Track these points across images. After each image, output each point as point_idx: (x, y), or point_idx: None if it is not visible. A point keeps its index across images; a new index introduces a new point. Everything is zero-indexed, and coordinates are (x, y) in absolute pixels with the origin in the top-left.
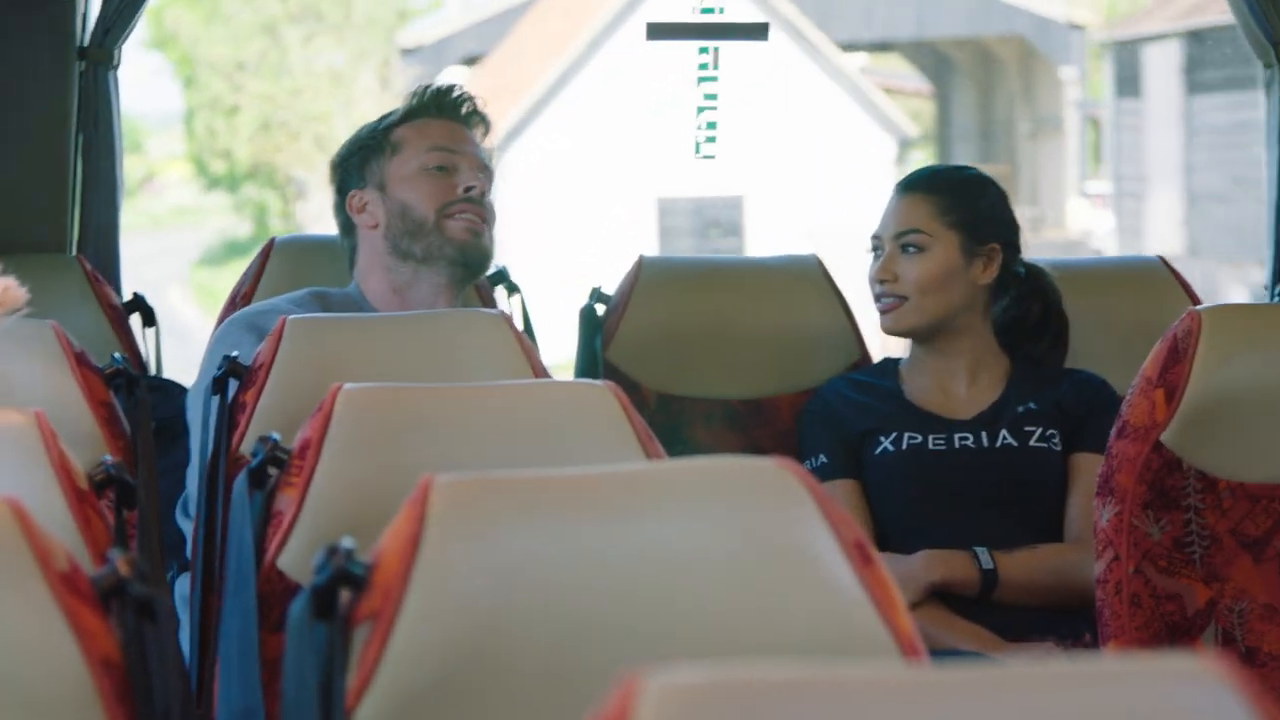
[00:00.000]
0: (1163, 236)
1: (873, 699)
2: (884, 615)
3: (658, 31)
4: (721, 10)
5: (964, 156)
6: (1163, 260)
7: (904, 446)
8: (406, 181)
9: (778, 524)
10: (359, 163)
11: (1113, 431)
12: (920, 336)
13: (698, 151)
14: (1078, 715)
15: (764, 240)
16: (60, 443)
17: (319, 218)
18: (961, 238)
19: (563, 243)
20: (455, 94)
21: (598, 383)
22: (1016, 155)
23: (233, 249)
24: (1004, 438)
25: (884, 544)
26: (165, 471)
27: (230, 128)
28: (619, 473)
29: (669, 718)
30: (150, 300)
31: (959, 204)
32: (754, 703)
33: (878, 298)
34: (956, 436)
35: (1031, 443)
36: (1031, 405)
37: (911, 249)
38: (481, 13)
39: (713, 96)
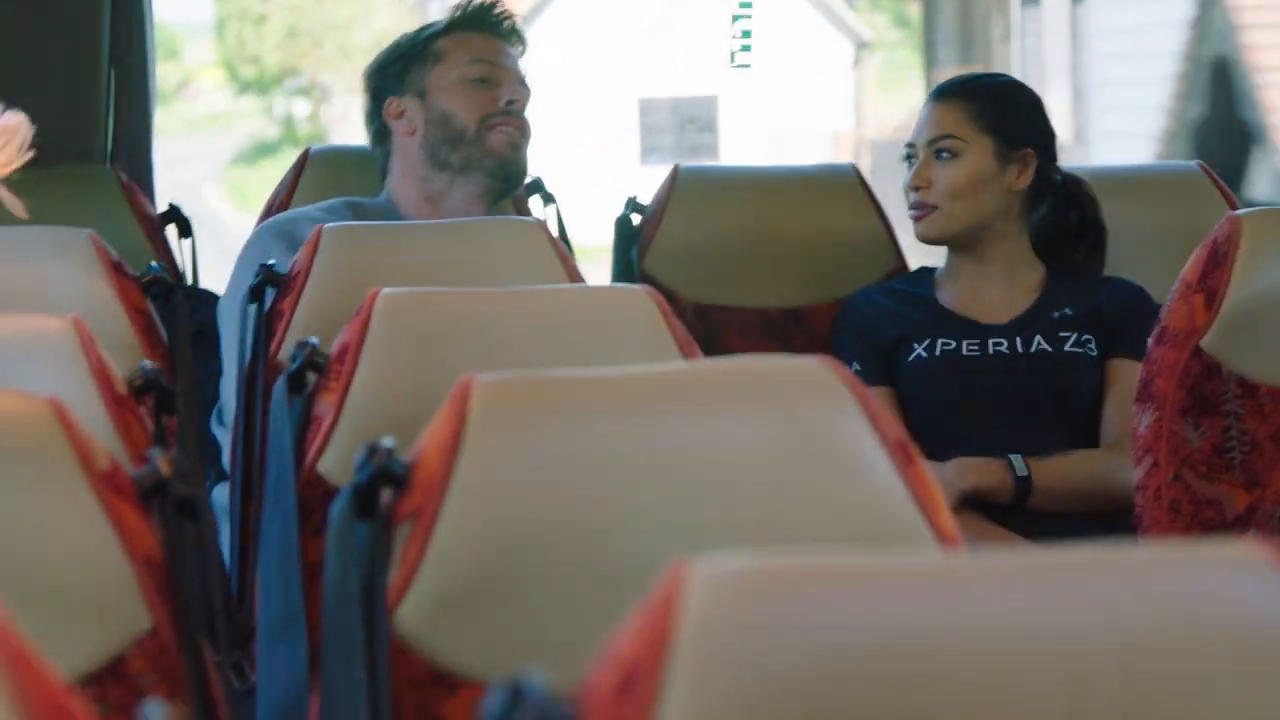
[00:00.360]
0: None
1: (917, 584)
2: (925, 512)
3: None
4: None
5: (947, 60)
6: (1202, 166)
7: (937, 352)
8: (447, 90)
9: (819, 421)
10: (398, 70)
11: (1151, 337)
12: (954, 243)
13: (733, 60)
14: (1122, 600)
15: (736, 138)
16: (99, 348)
17: (342, 119)
18: (995, 142)
19: (555, 141)
20: (498, 9)
21: (636, 287)
22: (991, 58)
23: (263, 150)
24: (1039, 343)
25: (922, 450)
26: (200, 380)
27: (258, 35)
28: (660, 373)
29: (717, 603)
30: (186, 201)
31: (992, 109)
32: (802, 588)
33: (912, 205)
34: (990, 342)
35: (1067, 348)
36: (1068, 311)
37: (945, 155)
38: None
39: (748, 4)
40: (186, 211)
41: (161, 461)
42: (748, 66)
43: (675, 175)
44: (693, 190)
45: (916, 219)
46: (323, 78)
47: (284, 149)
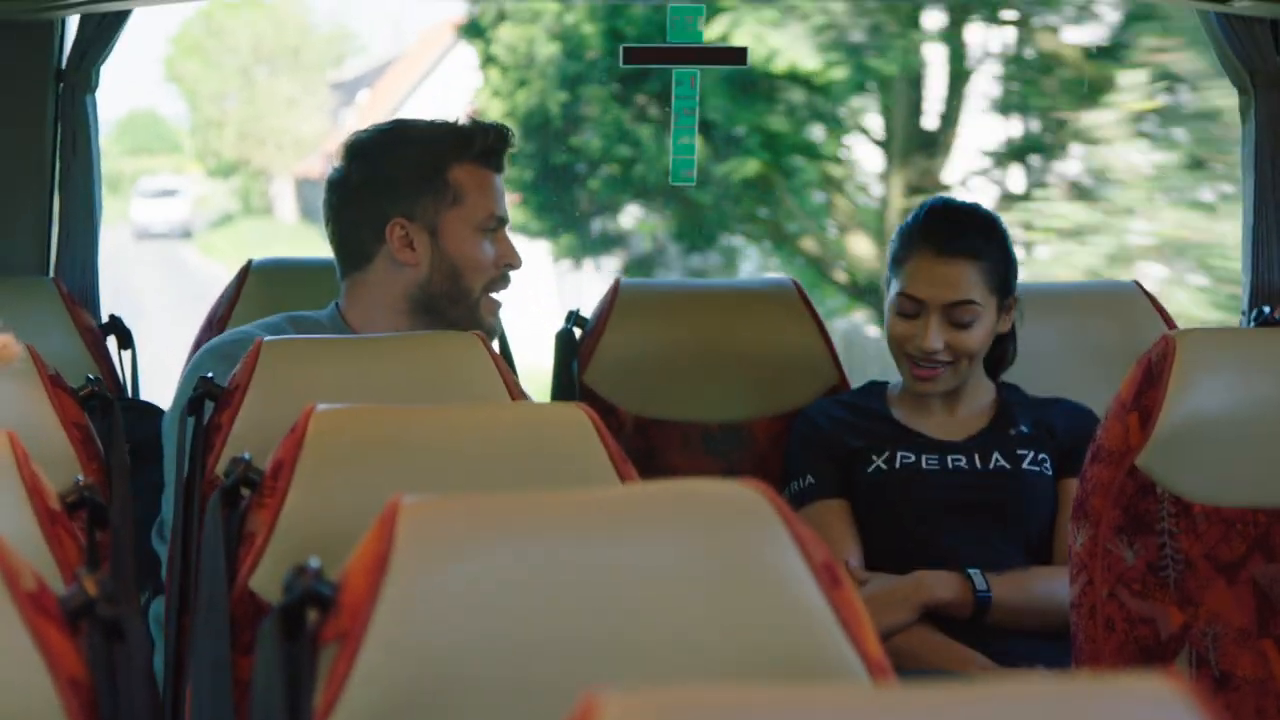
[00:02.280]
0: None
1: (826, 718)
2: (852, 637)
3: (633, 56)
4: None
5: None
6: (1138, 284)
7: (897, 465)
8: (463, 242)
9: (746, 545)
10: (407, 192)
11: (1087, 456)
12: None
13: (675, 179)
14: None
15: None
16: (32, 463)
17: (279, 196)
18: (998, 298)
19: None
20: (507, 142)
21: (571, 405)
22: None
23: (225, 219)
24: (997, 459)
25: (875, 564)
26: (141, 493)
27: (220, 137)
28: (587, 495)
29: None
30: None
31: (997, 264)
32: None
33: (916, 362)
34: (949, 458)
35: (1024, 465)
36: (1024, 429)
37: (965, 319)
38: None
39: (690, 120)
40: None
41: (87, 581)
42: (691, 182)
43: (616, 288)
44: (634, 303)
45: (924, 376)
46: (266, 166)
47: (239, 218)
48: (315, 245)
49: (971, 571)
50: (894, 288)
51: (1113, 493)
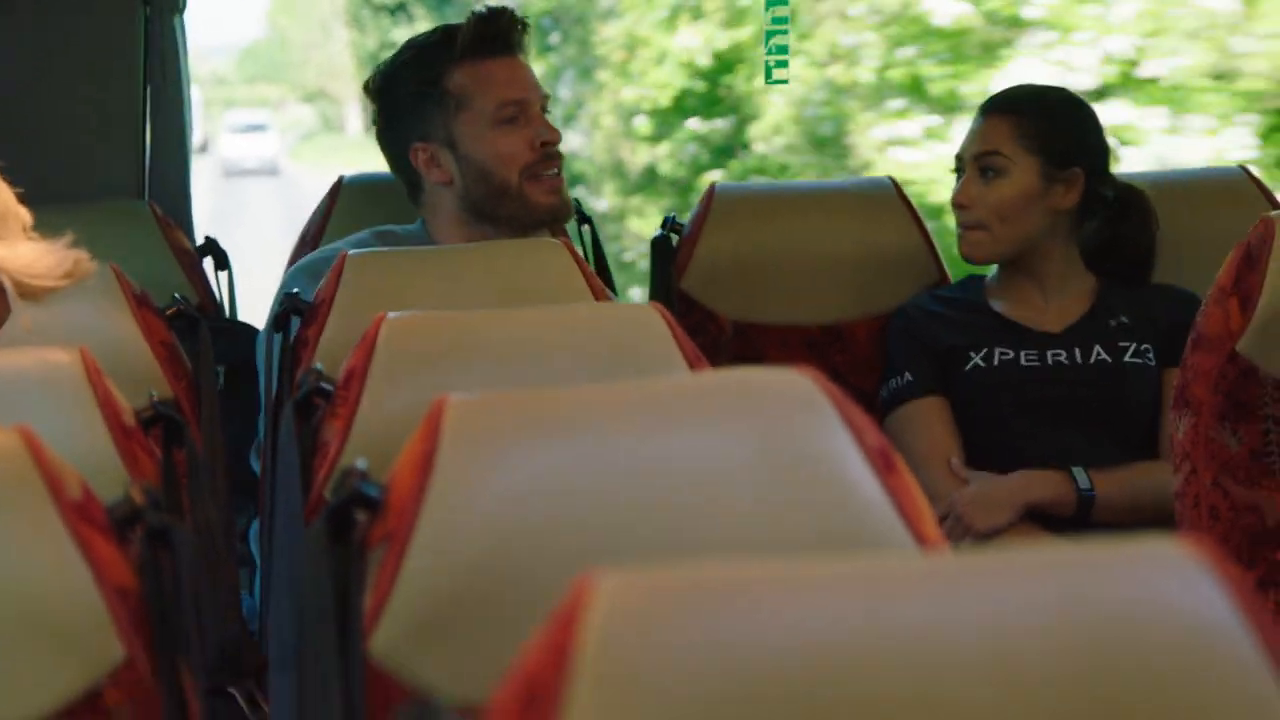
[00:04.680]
0: None
1: (832, 591)
2: (907, 520)
3: None
4: None
5: None
6: (1244, 169)
7: (995, 362)
8: (481, 141)
9: (798, 432)
10: (414, 114)
11: (1187, 343)
12: (1007, 259)
13: (769, 78)
14: (1046, 602)
15: None
16: (108, 380)
17: (349, 117)
18: (1041, 162)
19: None
20: (505, 23)
21: (645, 304)
22: None
23: (310, 134)
24: (1098, 353)
25: (976, 464)
26: (240, 413)
27: (306, 72)
28: (634, 388)
29: (619, 616)
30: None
31: (1041, 126)
32: (708, 598)
33: (959, 223)
34: (1049, 352)
35: (1127, 358)
36: (1124, 319)
37: (990, 172)
38: None
39: (783, 19)
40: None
41: (134, 491)
42: (785, 82)
43: (711, 193)
44: (730, 207)
45: (963, 238)
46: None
47: (320, 134)
48: (373, 151)
49: (1075, 470)
50: None
51: (1214, 379)
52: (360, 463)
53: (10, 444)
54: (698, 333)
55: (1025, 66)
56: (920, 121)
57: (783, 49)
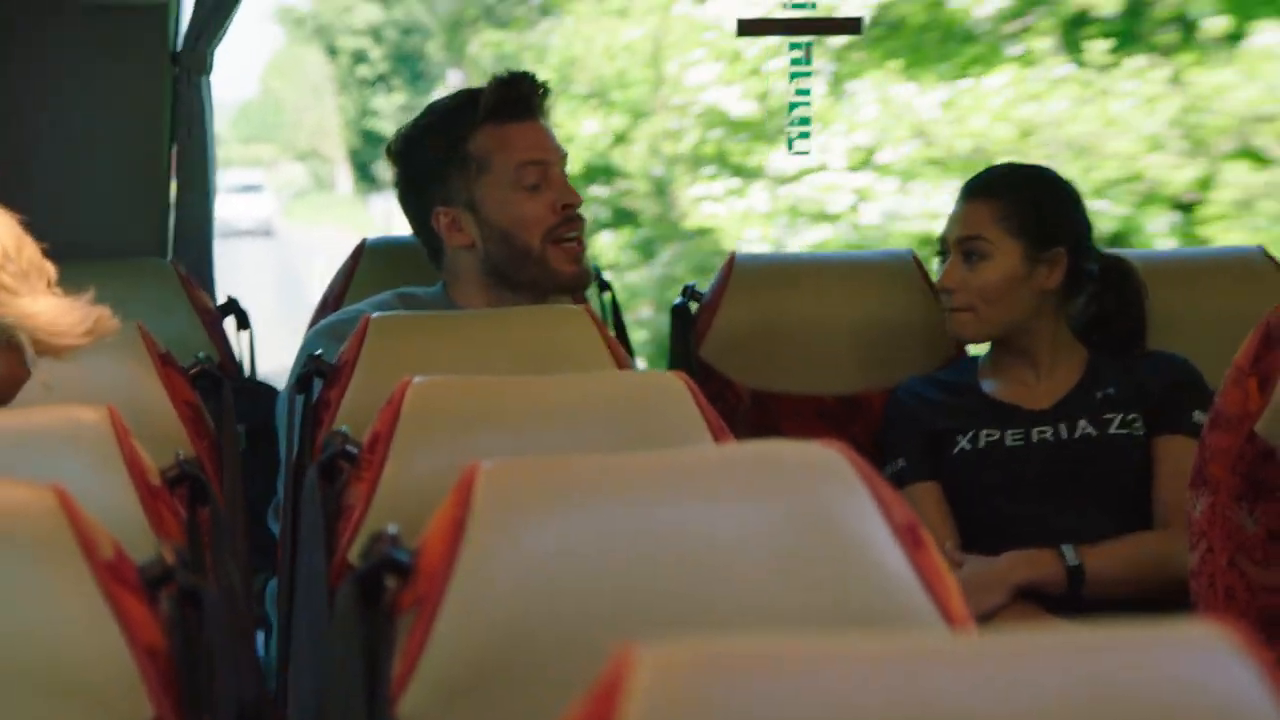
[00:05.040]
0: None
1: (867, 668)
2: (935, 597)
3: (748, 28)
4: (813, 5)
5: None
6: (1263, 250)
7: (981, 444)
8: (503, 205)
9: (828, 506)
10: (436, 179)
11: (1205, 423)
12: (995, 340)
13: (790, 149)
14: (1077, 683)
15: None
16: (132, 438)
17: (339, 175)
18: (1024, 244)
19: None
20: (524, 86)
21: (669, 373)
22: None
23: (302, 192)
24: (1083, 427)
25: (969, 545)
26: (259, 473)
27: (299, 132)
28: (665, 457)
29: (661, 687)
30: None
31: (1022, 209)
32: (748, 672)
33: (945, 306)
34: (1034, 430)
35: (1112, 430)
36: (1110, 390)
37: (974, 256)
38: None
39: (805, 92)
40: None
41: (165, 551)
42: (807, 153)
43: (732, 261)
44: (750, 277)
45: (951, 319)
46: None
47: (311, 192)
48: (359, 209)
49: (1064, 547)
50: None
51: (1231, 459)
52: (391, 528)
53: (44, 502)
54: (715, 401)
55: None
56: (724, 183)
57: (805, 120)
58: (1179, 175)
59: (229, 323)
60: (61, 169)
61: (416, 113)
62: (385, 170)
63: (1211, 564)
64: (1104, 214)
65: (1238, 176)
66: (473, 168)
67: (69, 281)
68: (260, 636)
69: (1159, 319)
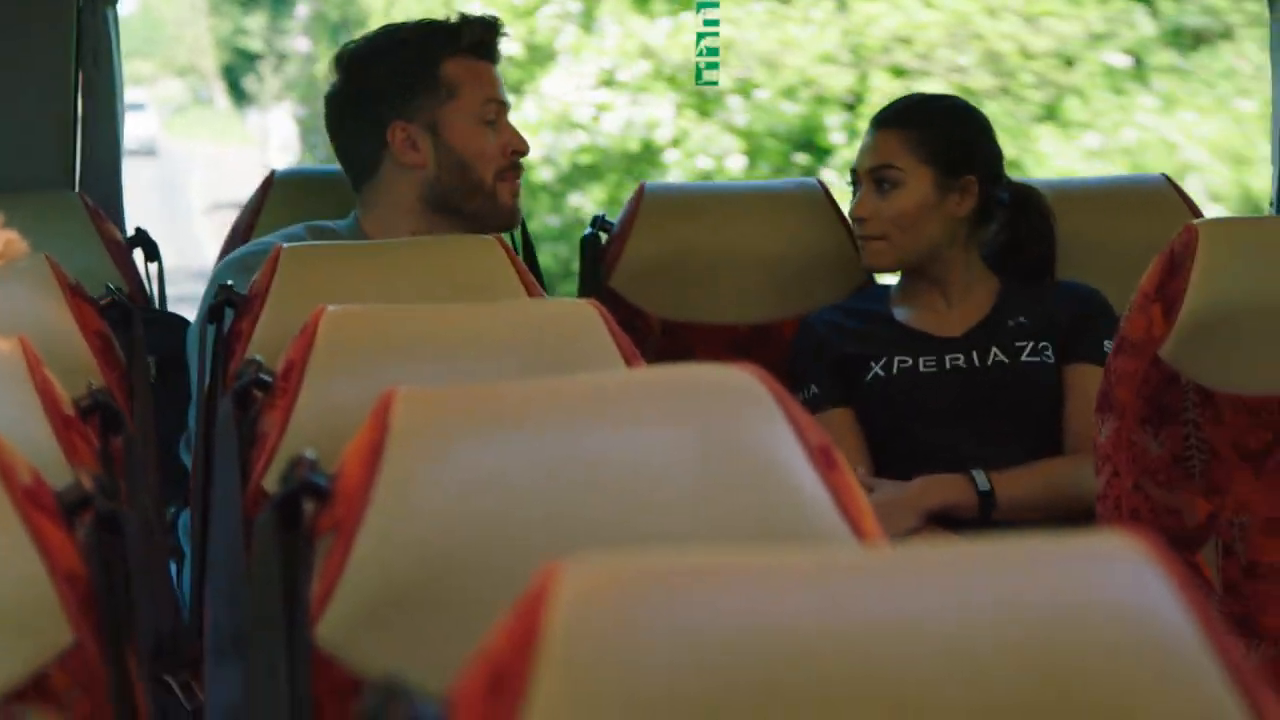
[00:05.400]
0: None
1: (790, 580)
2: (848, 517)
3: None
4: None
5: None
6: (1166, 178)
7: (894, 370)
8: (464, 134)
9: (741, 428)
10: (401, 92)
11: (1110, 347)
12: (904, 272)
13: (699, 80)
14: (988, 594)
15: None
16: (45, 368)
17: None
18: (935, 172)
19: None
20: (498, 32)
21: (581, 301)
22: None
23: (181, 107)
24: (995, 355)
25: (881, 470)
26: (169, 406)
27: (179, 47)
28: (580, 382)
29: (585, 602)
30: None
31: (932, 137)
32: (672, 585)
33: (858, 235)
34: (947, 357)
35: (1024, 358)
36: (1022, 319)
37: (885, 185)
38: None
39: (714, 23)
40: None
41: (84, 477)
42: (715, 84)
43: (641, 192)
44: (659, 207)
45: (863, 248)
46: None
47: (191, 107)
48: (236, 124)
49: (974, 472)
50: None
51: (1137, 383)
52: (309, 452)
53: None
54: (626, 330)
55: (558, 76)
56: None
57: (714, 50)
58: (842, 82)
59: (138, 254)
60: None
61: (283, 33)
62: (257, 86)
63: (1117, 487)
64: (789, 113)
65: (883, 84)
66: (442, 92)
67: None
68: (173, 567)
69: (1066, 247)
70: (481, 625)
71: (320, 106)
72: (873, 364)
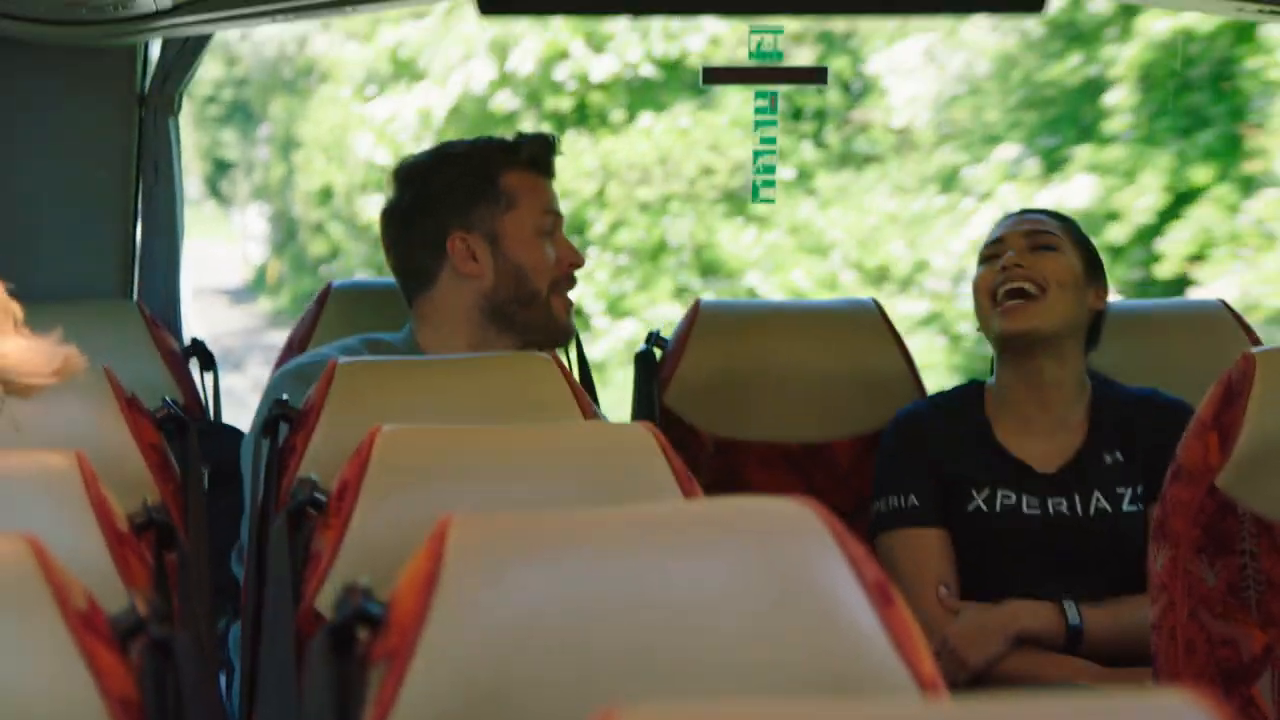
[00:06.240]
0: None
1: None
2: (904, 655)
3: (713, 76)
4: (778, 55)
5: None
6: (1224, 303)
7: (997, 508)
8: (523, 244)
9: (797, 562)
10: (462, 204)
11: (1167, 475)
12: (1039, 345)
13: (755, 198)
14: None
15: None
16: (101, 484)
17: None
18: (1082, 258)
19: None
20: (554, 149)
21: (638, 424)
22: None
23: None
24: (1097, 502)
25: (968, 591)
26: (221, 516)
27: None
28: (636, 512)
29: None
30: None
31: (1077, 231)
32: None
33: (1005, 295)
34: (1049, 501)
35: (1124, 507)
36: (1119, 455)
37: (1045, 249)
38: None
39: (771, 140)
40: None
41: (139, 601)
42: (772, 201)
43: (696, 308)
44: (714, 324)
45: (1012, 308)
46: None
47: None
48: (223, 223)
49: (1066, 603)
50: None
51: (1192, 512)
52: (363, 579)
53: (17, 552)
54: (679, 448)
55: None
56: None
57: (770, 169)
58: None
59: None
60: (29, 209)
61: (252, 143)
62: (232, 189)
63: (1172, 617)
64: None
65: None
66: (502, 202)
67: (35, 323)
68: (222, 679)
69: (1122, 370)
70: None
71: (282, 206)
72: (974, 494)
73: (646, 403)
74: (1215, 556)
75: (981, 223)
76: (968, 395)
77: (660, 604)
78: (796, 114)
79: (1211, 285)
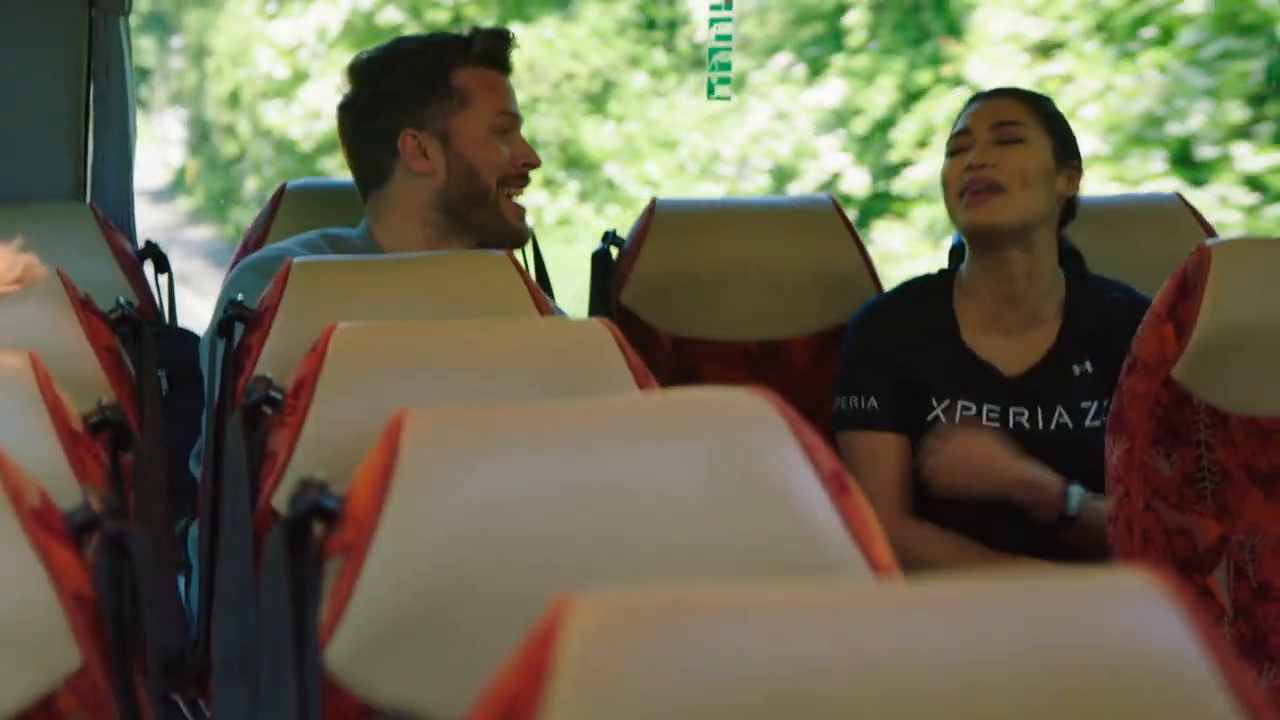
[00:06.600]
0: None
1: (802, 615)
2: (859, 541)
3: None
4: None
5: None
6: (1179, 196)
7: (956, 419)
8: (475, 142)
9: (754, 452)
10: (414, 100)
11: (1122, 368)
12: (1006, 238)
13: (711, 94)
14: (1006, 630)
15: None
16: (55, 385)
17: None
18: (1054, 144)
19: None
20: (511, 43)
21: (594, 320)
22: None
23: None
24: (1059, 416)
25: (926, 500)
26: (180, 418)
27: None
28: (592, 405)
29: (596, 636)
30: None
31: (1052, 112)
32: (683, 620)
33: (967, 189)
34: (1011, 411)
35: (1087, 422)
36: (1088, 366)
37: (1011, 141)
38: None
39: (726, 38)
40: None
41: (93, 498)
42: (727, 99)
43: (653, 208)
44: (670, 223)
45: (976, 202)
46: None
47: None
48: (145, 127)
49: (1073, 486)
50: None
51: (1148, 404)
52: (319, 474)
53: None
54: (637, 346)
55: None
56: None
57: (726, 65)
58: None
59: (148, 267)
60: None
61: (168, 52)
62: (151, 94)
63: (1129, 508)
64: None
65: None
66: (455, 100)
67: None
68: (181, 581)
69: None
70: (493, 652)
71: (197, 111)
72: (934, 403)
73: (603, 302)
74: (1171, 448)
75: (759, 120)
76: (937, 287)
77: (617, 494)
78: (651, 24)
79: (926, 164)
